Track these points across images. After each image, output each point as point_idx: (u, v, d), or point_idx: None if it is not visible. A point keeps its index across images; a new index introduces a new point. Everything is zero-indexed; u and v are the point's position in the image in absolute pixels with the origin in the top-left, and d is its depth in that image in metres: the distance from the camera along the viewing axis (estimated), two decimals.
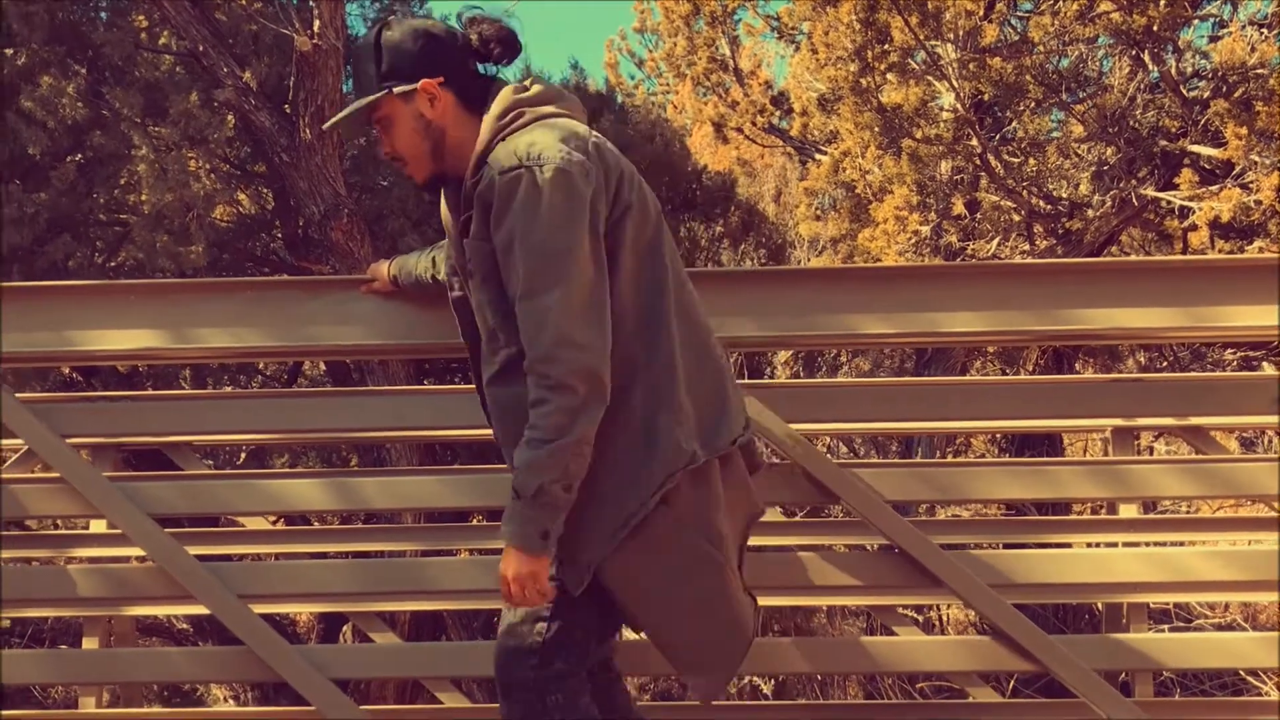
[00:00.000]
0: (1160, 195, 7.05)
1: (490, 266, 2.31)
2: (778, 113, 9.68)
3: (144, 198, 6.10)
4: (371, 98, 2.40)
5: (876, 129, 6.93)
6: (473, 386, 2.59)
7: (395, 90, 2.38)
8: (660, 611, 2.41)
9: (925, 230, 7.27)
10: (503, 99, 2.37)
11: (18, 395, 3.25)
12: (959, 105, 6.97)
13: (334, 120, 2.52)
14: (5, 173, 6.00)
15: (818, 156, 9.34)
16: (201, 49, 6.54)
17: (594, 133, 2.38)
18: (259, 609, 3.19)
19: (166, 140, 6.20)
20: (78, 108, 6.06)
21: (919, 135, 6.94)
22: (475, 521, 6.05)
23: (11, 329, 3.15)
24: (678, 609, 2.41)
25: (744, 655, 2.52)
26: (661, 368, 2.34)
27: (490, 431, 2.52)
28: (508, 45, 2.43)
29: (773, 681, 6.23)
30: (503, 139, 2.32)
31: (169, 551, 3.15)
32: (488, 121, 2.36)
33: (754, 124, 9.34)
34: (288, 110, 6.87)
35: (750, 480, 2.57)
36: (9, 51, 6.22)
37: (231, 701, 7.87)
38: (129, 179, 6.41)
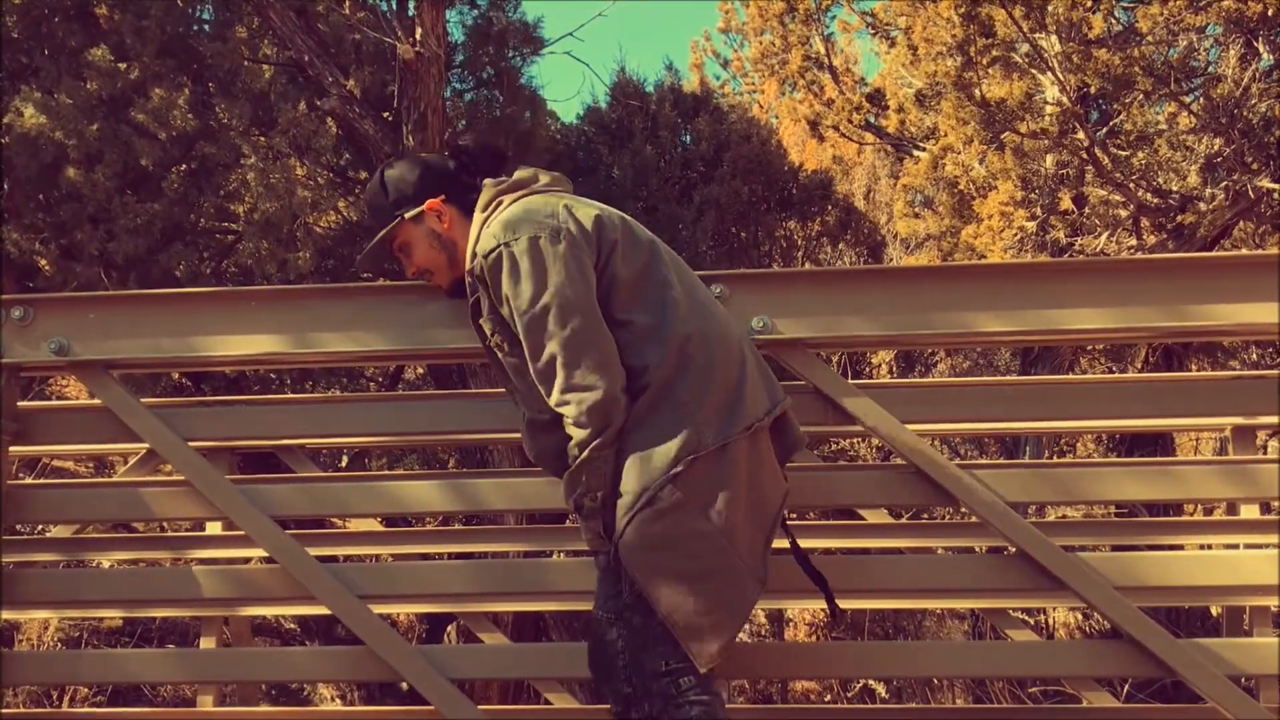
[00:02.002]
0: (1275, 187, 6.84)
1: (510, 335, 2.67)
2: (873, 110, 9.57)
3: (251, 204, 6.22)
4: (389, 226, 2.82)
5: (979, 124, 6.80)
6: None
7: (407, 215, 2.80)
8: (660, 580, 2.55)
9: (1031, 226, 7.14)
10: (484, 195, 2.77)
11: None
12: (1064, 98, 6.83)
13: (362, 256, 2.96)
14: (120, 184, 6.15)
15: (915, 153, 9.22)
16: (306, 59, 6.66)
17: (566, 196, 2.74)
18: (376, 609, 3.23)
19: (273, 149, 6.31)
20: (188, 119, 6.20)
21: (1023, 129, 6.81)
22: (569, 522, 6.07)
23: (137, 335, 3.23)
24: (676, 579, 2.55)
25: (737, 629, 2.64)
26: (675, 369, 2.59)
27: None
28: (491, 156, 2.89)
29: (884, 685, 6.16)
30: (485, 226, 2.70)
31: (291, 552, 3.19)
32: (475, 219, 2.76)
33: (850, 121, 9.24)
34: (389, 118, 6.98)
35: (774, 459, 2.74)
36: (122, 66, 6.38)
37: (339, 701, 7.99)
38: (236, 187, 6.54)
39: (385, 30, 6.27)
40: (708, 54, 13.49)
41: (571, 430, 2.56)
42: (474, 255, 2.67)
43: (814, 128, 9.42)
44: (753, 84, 12.45)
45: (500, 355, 2.75)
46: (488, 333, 2.74)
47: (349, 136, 7.05)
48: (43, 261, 6.47)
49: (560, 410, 2.58)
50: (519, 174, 2.81)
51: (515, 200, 2.72)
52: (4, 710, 5.37)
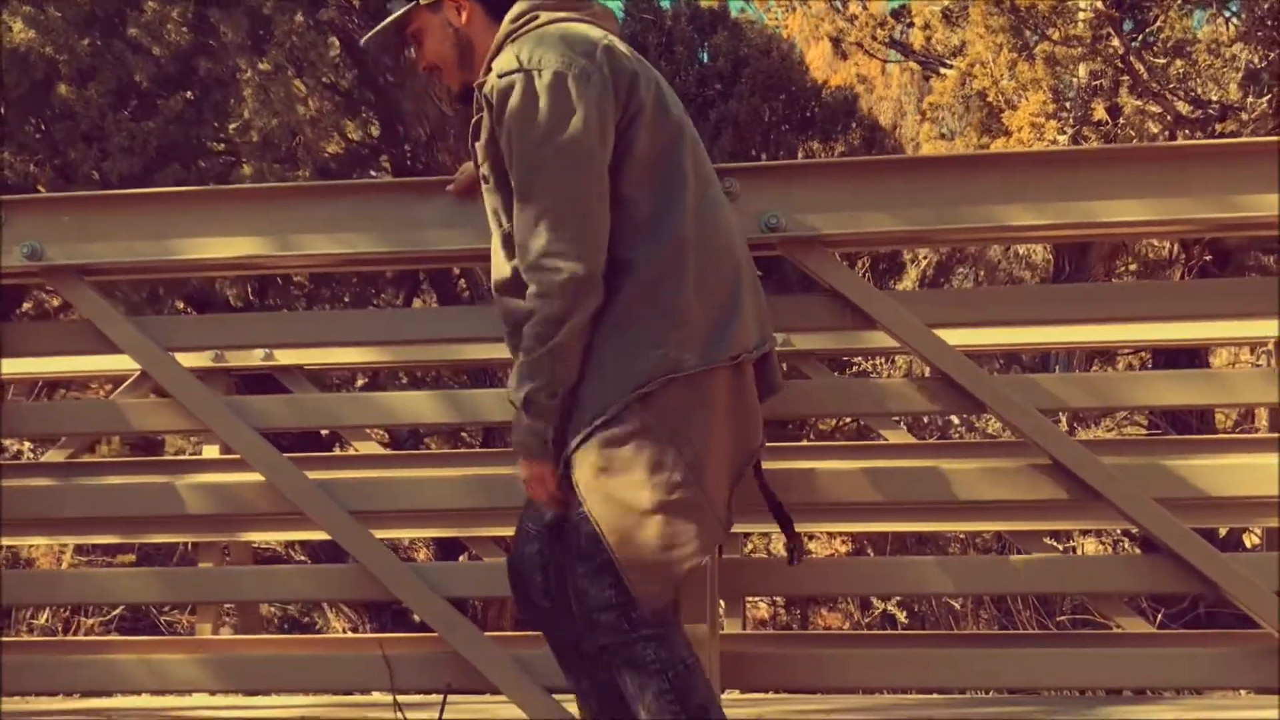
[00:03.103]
0: None
1: (500, 171, 2.34)
2: (898, 26, 9.27)
3: (248, 119, 6.01)
4: (402, 10, 2.47)
5: (1008, 32, 6.51)
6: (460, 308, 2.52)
7: (423, 1, 2.44)
8: (610, 508, 2.26)
9: (1063, 139, 6.86)
10: (520, 4, 2.39)
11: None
12: (1098, 3, 6.52)
13: (370, 35, 2.57)
14: (114, 101, 5.95)
15: (942, 71, 8.93)
16: None
17: (610, 35, 2.36)
18: (376, 534, 3.05)
19: (273, 64, 6.09)
20: (183, 33, 5.98)
21: (1055, 37, 6.51)
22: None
23: (113, 237, 3.05)
24: (629, 510, 2.25)
25: (685, 573, 2.31)
26: (664, 271, 2.28)
27: None
28: None
29: (906, 612, 6.01)
30: (512, 41, 2.33)
31: (279, 468, 3.02)
32: (503, 26, 2.38)
33: (873, 38, 8.94)
34: None
35: (757, 407, 2.43)
36: None
37: (350, 633, 7.92)
38: (235, 105, 6.33)
39: None
40: None
41: (536, 303, 2.23)
42: (489, 69, 2.33)
43: (836, 45, 9.12)
44: (776, 19, 12.18)
45: (484, 188, 2.44)
46: (479, 160, 2.42)
47: (350, 51, 6.82)
48: (39, 185, 6.30)
49: (529, 276, 2.25)
50: None
51: (554, 22, 2.34)
52: (5, 639, 5.28)
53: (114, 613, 7.71)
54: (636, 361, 2.25)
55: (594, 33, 2.33)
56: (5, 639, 4.93)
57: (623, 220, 2.29)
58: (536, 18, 2.36)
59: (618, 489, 2.25)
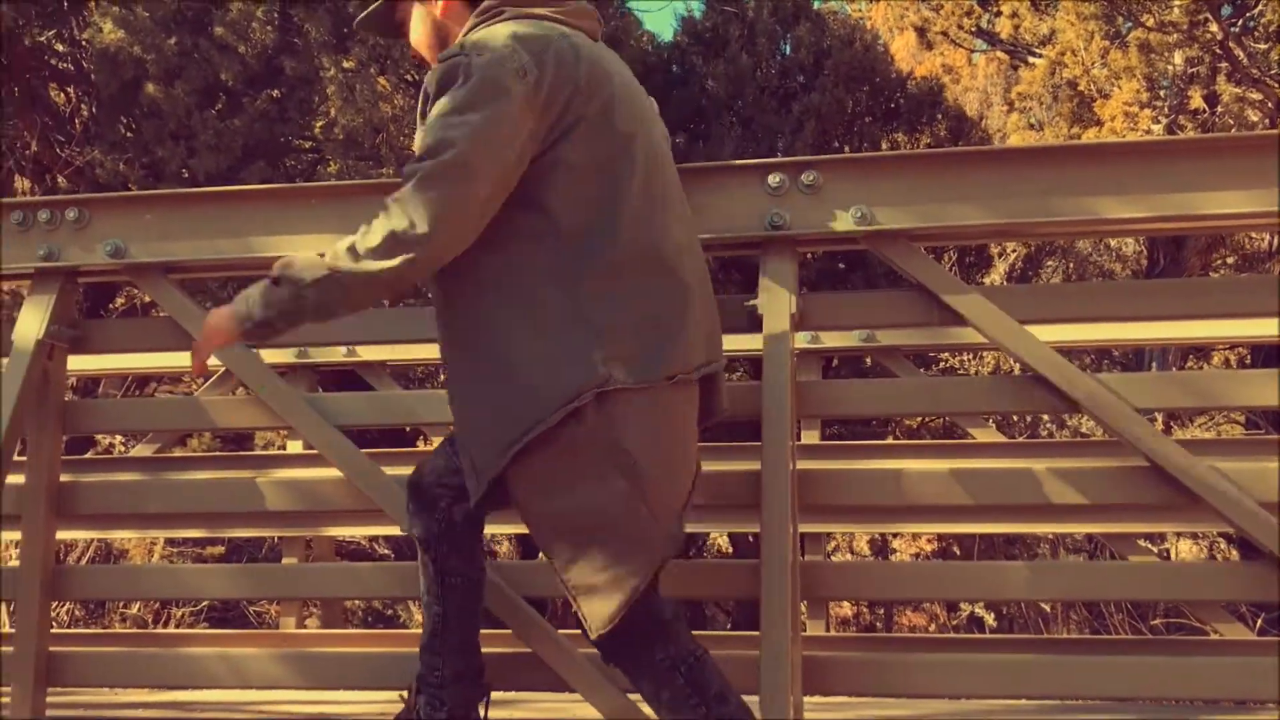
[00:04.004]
0: None
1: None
2: (985, 15, 9.08)
3: (333, 116, 6.06)
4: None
5: (1101, 19, 6.33)
6: None
7: None
8: (555, 529, 2.24)
9: (1158, 129, 6.66)
10: None
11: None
12: None
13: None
14: (200, 100, 6.03)
15: (1031, 60, 8.73)
16: None
17: (576, 35, 2.33)
18: None
19: (355, 61, 6.14)
20: (267, 32, 6.04)
21: (1150, 23, 6.31)
22: None
23: (195, 236, 3.07)
24: (570, 531, 2.22)
25: (638, 588, 2.21)
26: (592, 285, 2.22)
27: None
28: None
29: (995, 614, 5.87)
30: (471, 32, 2.33)
31: (358, 465, 3.01)
32: (470, 17, 2.39)
33: (960, 27, 8.76)
34: None
35: (693, 432, 2.36)
36: None
37: None
38: (319, 103, 6.39)
39: None
40: None
41: (360, 237, 2.19)
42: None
43: (921, 34, 8.96)
44: (859, 10, 12.06)
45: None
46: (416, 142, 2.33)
47: None
48: (129, 183, 6.41)
49: (382, 215, 2.17)
50: None
51: (518, 17, 2.32)
52: (102, 630, 5.38)
53: (203, 603, 7.84)
54: (563, 374, 2.18)
55: (553, 33, 2.29)
56: (95, 630, 5.02)
57: (546, 229, 2.23)
58: (502, 12, 2.35)
59: (556, 509, 2.22)
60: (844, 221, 2.76)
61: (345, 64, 6.31)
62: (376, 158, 6.22)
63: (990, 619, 6.16)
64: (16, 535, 3.08)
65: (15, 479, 3.03)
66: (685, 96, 8.55)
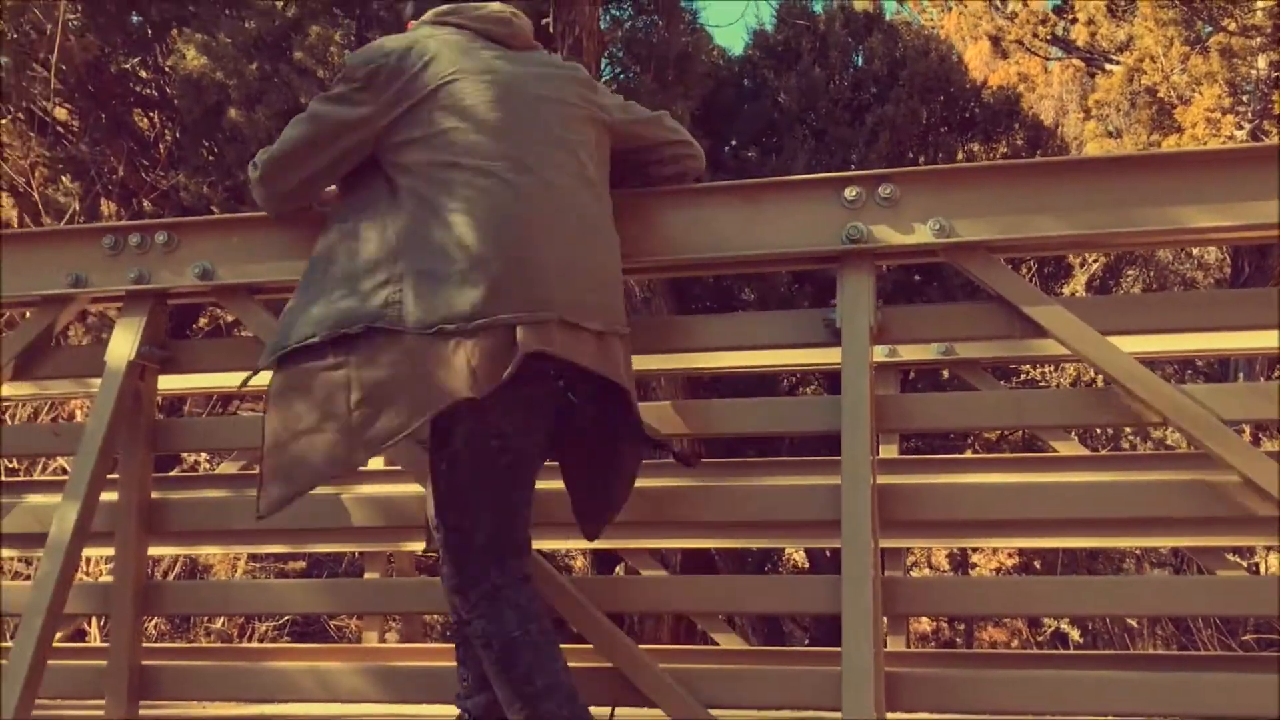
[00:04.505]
0: None
1: None
2: (1060, 23, 8.97)
3: None
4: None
5: (1180, 25, 6.22)
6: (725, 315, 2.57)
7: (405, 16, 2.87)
8: (278, 424, 2.49)
9: (1241, 134, 6.53)
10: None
11: None
12: None
13: None
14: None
15: (1108, 67, 8.61)
16: None
17: (455, 55, 2.57)
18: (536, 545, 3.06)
19: None
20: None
21: (1231, 28, 6.20)
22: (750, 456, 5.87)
23: (281, 257, 3.12)
24: (290, 428, 2.47)
25: (307, 485, 2.49)
26: (404, 236, 2.47)
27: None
28: None
29: (1079, 630, 5.78)
30: None
31: None
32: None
33: (1035, 36, 8.67)
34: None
35: (443, 376, 2.42)
36: (280, 4, 6.37)
37: None
38: None
39: None
40: None
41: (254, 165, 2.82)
42: None
43: (996, 44, 8.87)
44: (931, 20, 11.97)
45: None
46: None
47: None
48: (213, 206, 6.55)
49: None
50: (450, 4, 2.72)
51: (418, 26, 2.71)
52: (188, 644, 5.48)
53: (284, 618, 7.95)
54: (348, 305, 2.46)
55: (424, 40, 2.59)
56: (181, 645, 5.12)
57: (376, 194, 2.58)
58: (419, 28, 2.69)
59: (290, 407, 2.46)
60: (922, 234, 2.74)
61: None
62: None
63: (1075, 634, 6.05)
64: (107, 551, 3.15)
65: (109, 496, 3.11)
66: (757, 110, 8.55)
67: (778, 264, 3.08)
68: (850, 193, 2.79)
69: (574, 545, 5.87)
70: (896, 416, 2.95)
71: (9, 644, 2.93)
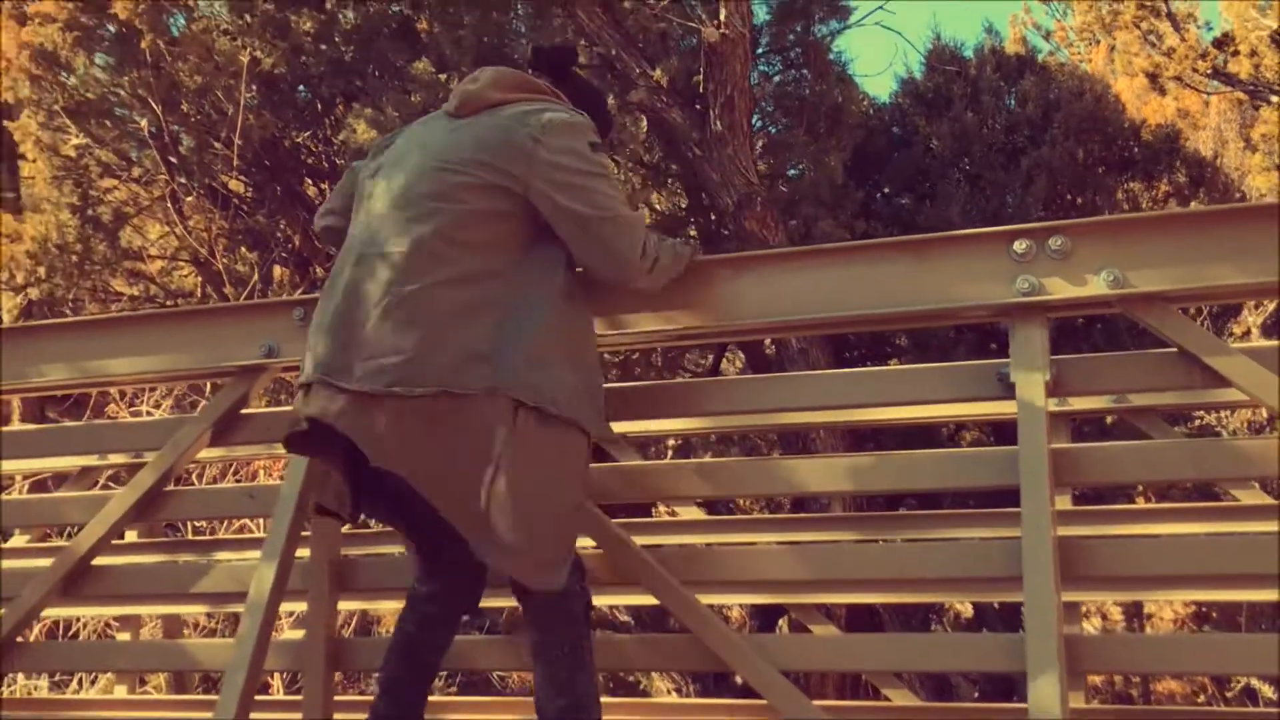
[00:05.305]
0: None
1: None
2: (1221, 56, 8.72)
3: None
4: None
5: None
6: (894, 367, 2.53)
7: None
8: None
9: None
10: None
11: None
12: None
13: None
14: None
15: (1273, 99, 8.33)
16: (614, 53, 6.69)
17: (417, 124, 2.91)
18: (702, 599, 3.10)
19: None
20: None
21: None
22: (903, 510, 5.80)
23: None
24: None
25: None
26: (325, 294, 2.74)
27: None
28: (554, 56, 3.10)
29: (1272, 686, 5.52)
30: None
31: (613, 538, 3.11)
32: None
33: (1194, 70, 8.44)
34: (697, 107, 6.92)
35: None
36: (443, 76, 6.61)
37: (674, 694, 8.01)
38: None
39: (691, 15, 6.21)
40: (1028, 27, 12.94)
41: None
42: None
43: (1153, 80, 8.66)
44: (1079, 53, 11.77)
45: None
46: None
47: (656, 128, 7.04)
48: None
49: None
50: None
51: None
52: (362, 695, 5.63)
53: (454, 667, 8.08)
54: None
55: (419, 124, 2.91)
56: (368, 698, 5.27)
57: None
58: None
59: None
60: (1096, 286, 2.72)
61: None
62: None
63: (1267, 690, 5.78)
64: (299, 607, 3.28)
65: (303, 552, 3.26)
66: (908, 157, 8.51)
67: (947, 319, 3.06)
68: (1020, 246, 2.78)
69: (731, 600, 5.87)
70: (1073, 469, 2.89)
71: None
